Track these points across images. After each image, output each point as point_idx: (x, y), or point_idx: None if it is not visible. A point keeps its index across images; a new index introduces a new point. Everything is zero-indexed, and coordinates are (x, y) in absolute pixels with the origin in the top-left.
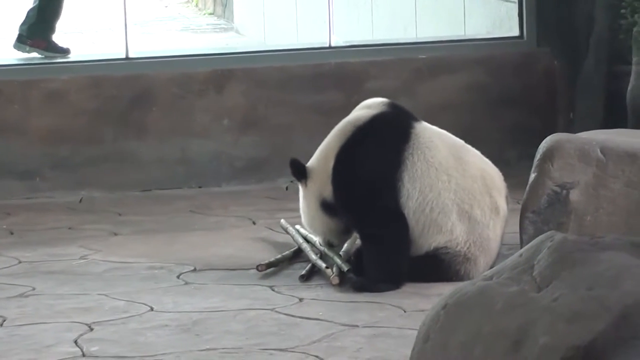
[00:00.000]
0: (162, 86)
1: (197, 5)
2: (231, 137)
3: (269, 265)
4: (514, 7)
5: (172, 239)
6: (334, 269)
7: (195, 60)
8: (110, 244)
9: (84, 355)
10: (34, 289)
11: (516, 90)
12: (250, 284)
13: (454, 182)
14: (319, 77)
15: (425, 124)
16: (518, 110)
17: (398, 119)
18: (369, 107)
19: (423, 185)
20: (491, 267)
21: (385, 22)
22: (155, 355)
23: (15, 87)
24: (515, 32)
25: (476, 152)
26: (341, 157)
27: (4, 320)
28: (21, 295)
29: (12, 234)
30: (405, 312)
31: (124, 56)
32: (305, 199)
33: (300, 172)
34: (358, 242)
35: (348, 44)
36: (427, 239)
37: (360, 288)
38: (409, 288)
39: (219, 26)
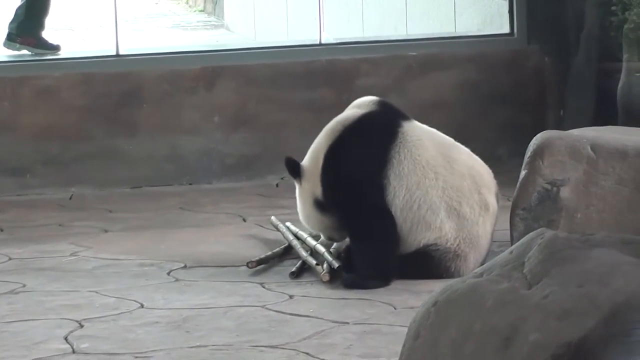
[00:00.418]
0: (153, 83)
1: (187, 3)
2: (221, 134)
3: (260, 262)
4: (505, 5)
5: (162, 236)
6: (325, 265)
7: (186, 58)
8: (101, 240)
9: (74, 351)
10: (24, 285)
11: (507, 87)
12: (241, 280)
13: (442, 180)
14: (310, 74)
15: (414, 123)
16: (509, 107)
17: (386, 118)
18: (359, 106)
19: (410, 183)
20: (481, 264)
21: (375, 19)
22: (146, 352)
23: (5, 84)
24: (506, 29)
25: (466, 150)
26: (329, 157)
27: None
28: (11, 292)
29: (2, 230)
30: (395, 309)
31: (114, 53)
32: (300, 197)
33: (295, 171)
34: (347, 239)
35: (339, 41)
36: (416, 236)
37: (350, 285)
38: (399, 285)
39: (209, 23)
